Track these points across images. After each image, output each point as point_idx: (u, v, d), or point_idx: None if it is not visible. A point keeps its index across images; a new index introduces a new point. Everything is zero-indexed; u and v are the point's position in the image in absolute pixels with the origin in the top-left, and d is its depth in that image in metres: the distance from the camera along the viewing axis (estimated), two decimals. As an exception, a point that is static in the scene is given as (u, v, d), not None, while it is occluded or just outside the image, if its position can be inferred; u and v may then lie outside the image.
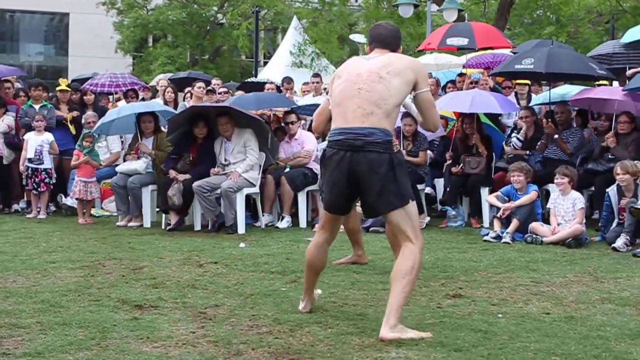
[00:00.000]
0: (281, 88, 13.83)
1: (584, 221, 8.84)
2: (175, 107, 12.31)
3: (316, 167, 10.05)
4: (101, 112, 11.96)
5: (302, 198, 10.21)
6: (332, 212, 5.11)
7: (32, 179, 10.84)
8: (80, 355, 4.23)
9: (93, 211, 10.99)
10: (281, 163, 10.48)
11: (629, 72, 10.96)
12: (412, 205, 4.90)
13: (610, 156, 9.68)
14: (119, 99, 14.25)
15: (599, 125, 10.77)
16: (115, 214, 10.61)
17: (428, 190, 10.73)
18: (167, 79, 15.57)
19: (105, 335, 4.64)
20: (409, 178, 5.08)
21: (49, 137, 11.03)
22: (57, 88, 12.31)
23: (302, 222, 10.11)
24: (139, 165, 10.24)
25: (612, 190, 8.82)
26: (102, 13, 34.97)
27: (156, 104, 12.08)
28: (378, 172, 4.78)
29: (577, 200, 8.84)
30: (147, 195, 10.13)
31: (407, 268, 4.75)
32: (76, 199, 10.45)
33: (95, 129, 10.94)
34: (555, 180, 9.02)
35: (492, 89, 12.21)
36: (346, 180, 4.85)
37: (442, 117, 11.17)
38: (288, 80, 14.16)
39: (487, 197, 9.76)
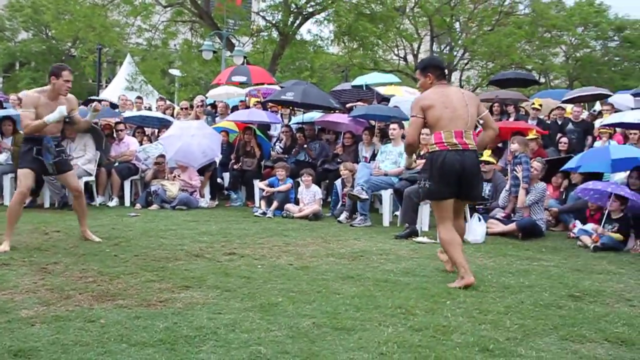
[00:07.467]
0: (117, 104, 13.19)
1: (321, 204, 9.19)
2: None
3: (136, 162, 9.75)
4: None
5: (127, 185, 9.82)
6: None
7: None
8: (-60, 303, 3.84)
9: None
10: (112, 159, 10.04)
11: (348, 105, 11.56)
12: None
13: (339, 160, 10.10)
14: None
15: (329, 138, 11.22)
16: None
17: (219, 180, 10.69)
18: (17, 95, 14.24)
19: (-38, 286, 4.24)
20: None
21: None
22: None
23: (127, 202, 9.73)
24: (1, 158, 9.43)
25: (338, 182, 9.20)
26: (-24, 42, 31.75)
27: (13, 111, 11.04)
28: None
29: (317, 192, 9.14)
30: (7, 182, 9.32)
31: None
32: None
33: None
34: (302, 178, 9.27)
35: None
36: None
37: (224, 130, 11.13)
38: (124, 98, 13.45)
39: (259, 184, 9.86)
